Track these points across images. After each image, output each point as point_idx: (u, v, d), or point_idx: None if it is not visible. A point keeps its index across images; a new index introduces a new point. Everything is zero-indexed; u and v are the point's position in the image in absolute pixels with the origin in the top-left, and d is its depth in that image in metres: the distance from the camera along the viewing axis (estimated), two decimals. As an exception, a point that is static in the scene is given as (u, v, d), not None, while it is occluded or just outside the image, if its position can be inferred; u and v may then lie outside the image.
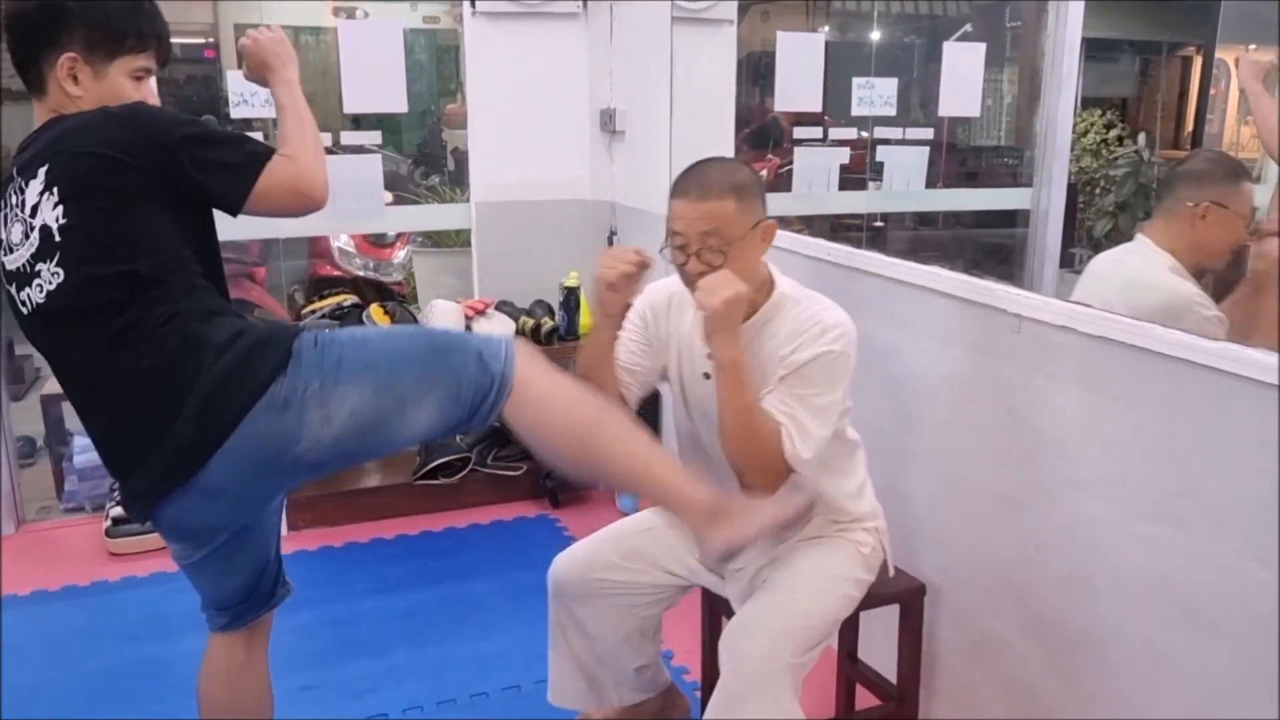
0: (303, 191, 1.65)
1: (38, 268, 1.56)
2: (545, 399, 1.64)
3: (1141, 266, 2.21)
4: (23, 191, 1.58)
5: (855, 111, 4.06)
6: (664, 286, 2.02)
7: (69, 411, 3.77)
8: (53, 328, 1.60)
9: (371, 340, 1.67)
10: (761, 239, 1.84)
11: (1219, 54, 5.47)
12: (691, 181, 1.81)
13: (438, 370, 1.61)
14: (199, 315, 1.59)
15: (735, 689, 1.77)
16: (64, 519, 3.57)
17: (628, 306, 1.93)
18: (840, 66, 4.00)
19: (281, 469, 1.62)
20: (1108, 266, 2.36)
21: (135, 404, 1.58)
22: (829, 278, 2.51)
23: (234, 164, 1.61)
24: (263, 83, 1.81)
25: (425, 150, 6.16)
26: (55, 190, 1.55)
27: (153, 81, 1.76)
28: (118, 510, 3.28)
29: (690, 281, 1.83)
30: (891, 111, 4.10)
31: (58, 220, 1.55)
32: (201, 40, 6.17)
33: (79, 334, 1.58)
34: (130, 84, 1.68)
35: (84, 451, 3.57)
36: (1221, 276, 2.28)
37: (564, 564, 2.10)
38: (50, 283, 1.56)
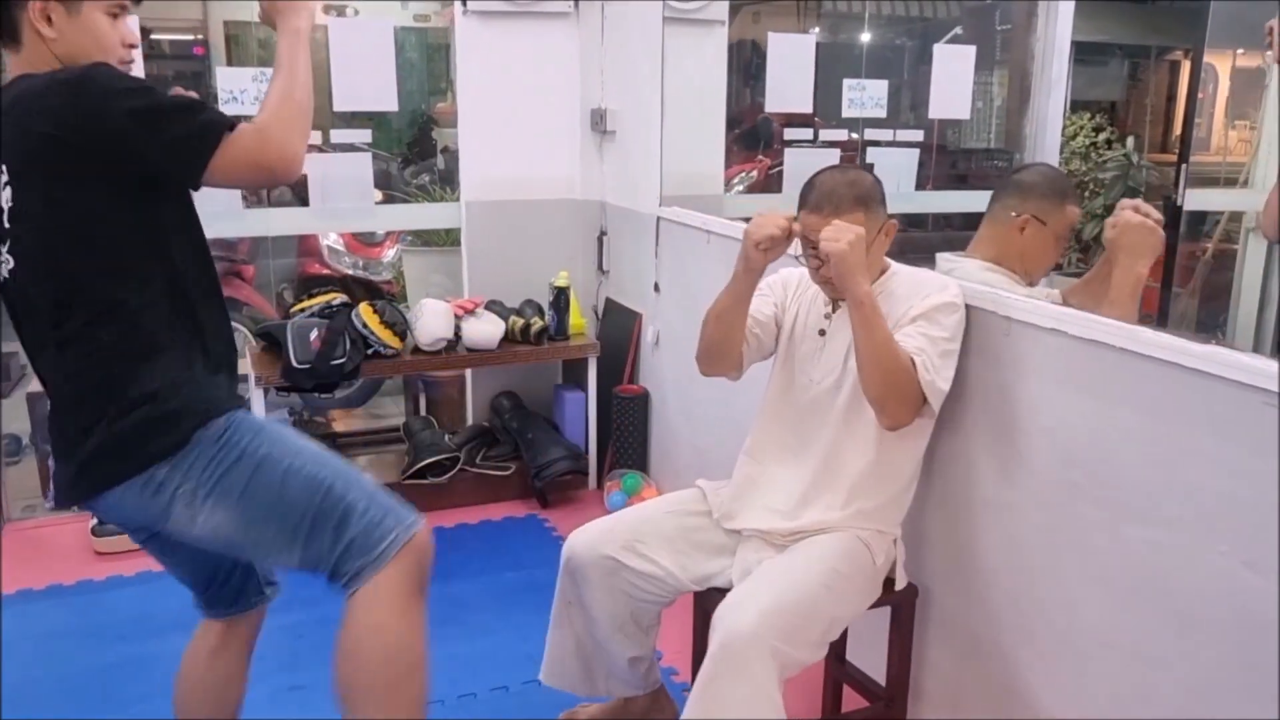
0: (266, 165, 1.55)
1: None
2: (380, 626, 1.64)
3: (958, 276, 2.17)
4: None
5: (846, 113, 4.07)
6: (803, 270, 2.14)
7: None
8: (9, 307, 1.62)
9: (264, 470, 1.58)
10: (886, 237, 2.01)
11: (1207, 58, 5.50)
12: (822, 197, 1.96)
13: (307, 537, 1.59)
14: (134, 351, 1.55)
15: (719, 662, 1.77)
16: (50, 517, 3.55)
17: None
18: (830, 68, 4.00)
19: (157, 534, 1.65)
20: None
21: (60, 410, 1.60)
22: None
23: (186, 137, 1.50)
24: (273, 25, 1.70)
25: (415, 149, 6.14)
26: (4, 167, 1.51)
27: (133, 22, 1.68)
28: (104, 509, 3.26)
29: (823, 283, 2.01)
30: (882, 113, 4.11)
31: (7, 203, 1.51)
32: (190, 37, 6.15)
33: (30, 323, 1.59)
34: (107, 21, 1.60)
35: (70, 450, 3.55)
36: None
37: (579, 540, 2.12)
38: (3, 268, 1.56)
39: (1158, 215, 2.01)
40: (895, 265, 2.09)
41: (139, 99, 1.49)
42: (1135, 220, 1.98)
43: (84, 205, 1.50)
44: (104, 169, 1.49)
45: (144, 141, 1.48)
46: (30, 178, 1.50)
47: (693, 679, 2.25)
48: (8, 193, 1.50)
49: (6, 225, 1.52)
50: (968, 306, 2.02)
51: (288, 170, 1.58)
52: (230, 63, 5.76)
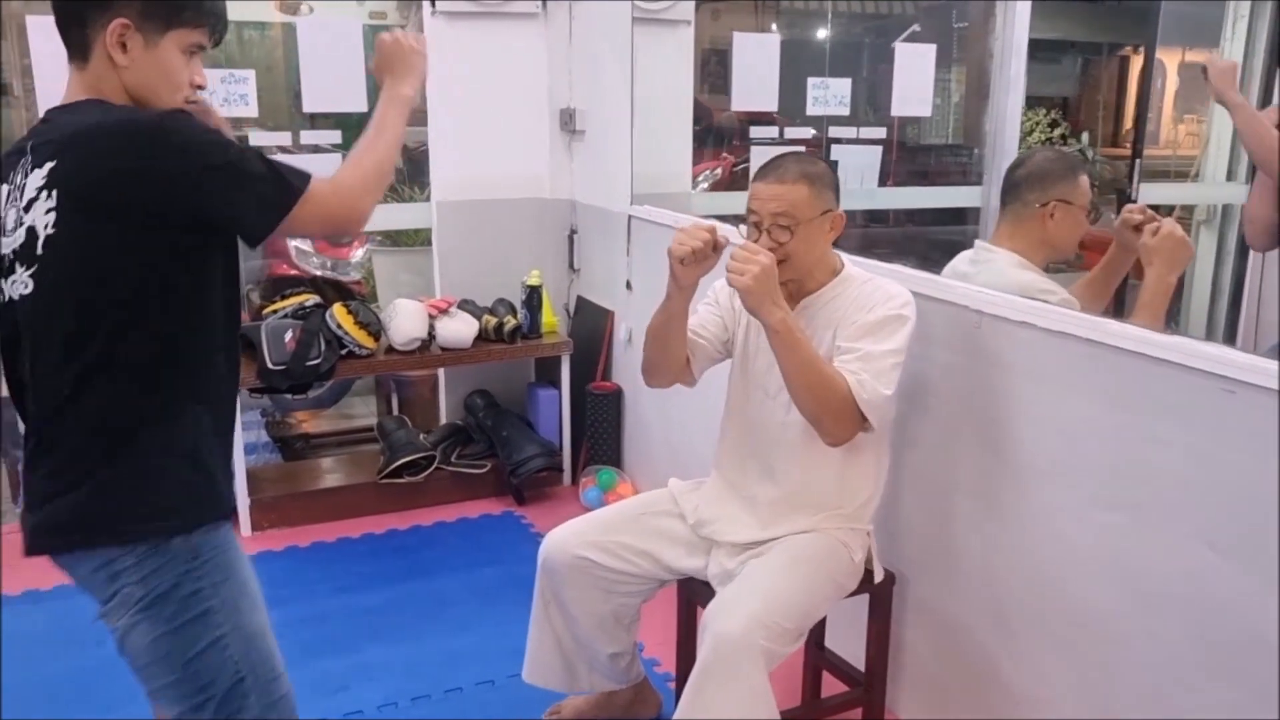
0: (335, 223, 1.57)
1: (16, 267, 1.47)
2: None
3: (989, 271, 2.23)
4: (27, 174, 1.46)
5: (810, 111, 4.13)
6: None
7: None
8: (9, 328, 1.52)
9: (203, 623, 1.51)
10: (830, 228, 1.98)
11: (1158, 55, 5.63)
12: (770, 166, 1.97)
13: (192, 708, 1.54)
14: (147, 412, 1.48)
15: (711, 666, 1.81)
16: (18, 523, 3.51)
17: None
18: (790, 65, 4.05)
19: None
20: (965, 271, 2.35)
21: (44, 449, 1.51)
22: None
23: (265, 195, 1.46)
24: (381, 83, 1.70)
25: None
26: (54, 194, 1.42)
27: (198, 64, 1.61)
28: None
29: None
30: (845, 111, 4.17)
31: (46, 228, 1.42)
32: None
33: (34, 354, 1.49)
34: (181, 59, 1.54)
35: (40, 455, 3.52)
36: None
37: (554, 540, 2.16)
38: (20, 290, 1.47)
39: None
40: (849, 269, 2.05)
41: (217, 155, 1.44)
42: (1179, 234, 2.03)
43: (131, 253, 1.43)
44: (165, 220, 1.43)
45: (219, 200, 1.44)
46: (81, 213, 1.42)
47: (677, 669, 2.31)
48: (50, 218, 1.42)
49: (39, 251, 1.44)
50: (936, 300, 2.08)
51: (355, 229, 1.62)
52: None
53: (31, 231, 1.44)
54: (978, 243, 2.34)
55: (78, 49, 1.51)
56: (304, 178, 1.49)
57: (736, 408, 2.15)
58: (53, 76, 3.04)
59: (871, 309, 1.94)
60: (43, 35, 3.10)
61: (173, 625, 1.50)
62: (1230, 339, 4.14)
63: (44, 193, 1.43)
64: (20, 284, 1.47)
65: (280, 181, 1.47)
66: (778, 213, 1.92)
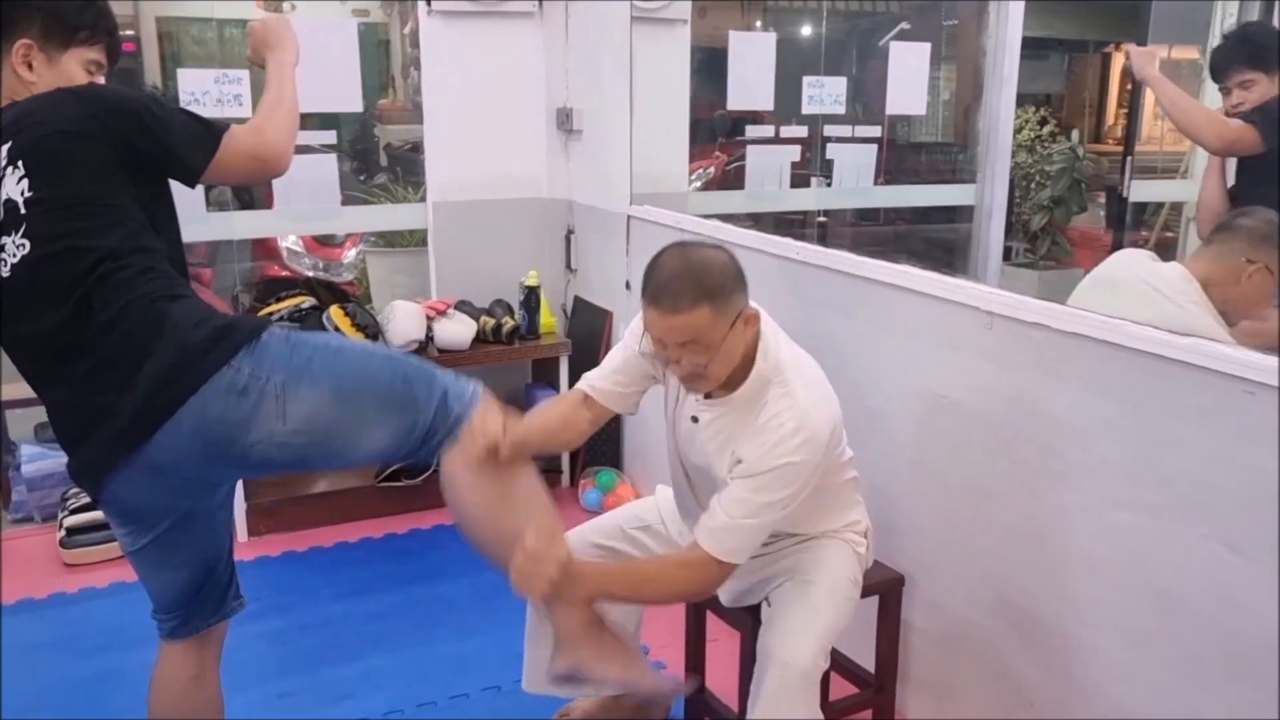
0: (261, 156, 1.76)
1: (1, 241, 1.59)
2: (480, 472, 1.69)
3: (1170, 284, 2.22)
4: None
5: (806, 110, 4.13)
6: None
7: (14, 419, 3.67)
8: (14, 299, 1.61)
9: (345, 352, 1.71)
10: (745, 327, 1.77)
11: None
12: (662, 292, 1.71)
13: (403, 399, 1.66)
14: (165, 294, 1.62)
15: (778, 695, 1.81)
16: (13, 530, 3.47)
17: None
18: (780, 64, 4.04)
19: (229, 456, 1.61)
20: (1135, 270, 2.33)
21: (92, 373, 1.58)
22: (795, 276, 2.57)
23: (195, 130, 1.70)
24: (262, 64, 1.94)
25: (358, 147, 6.09)
26: (20, 164, 1.59)
27: (100, 79, 1.82)
28: (72, 520, 3.20)
29: (686, 380, 1.82)
30: (841, 110, 4.17)
31: (23, 194, 1.58)
32: (122, 33, 6.01)
33: (41, 307, 1.59)
34: (83, 73, 1.77)
35: (32, 461, 3.48)
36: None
37: None
38: (15, 255, 1.58)
39: None
40: (767, 366, 1.83)
41: (149, 99, 1.70)
42: None
43: (102, 190, 1.61)
44: (122, 158, 1.63)
45: (160, 130, 1.65)
46: (53, 171, 1.59)
47: (685, 673, 2.30)
48: (25, 183, 1.59)
49: (24, 212, 1.58)
50: (947, 301, 2.06)
51: (279, 161, 1.79)
52: (163, 59, 5.63)
53: (10, 204, 1.59)
54: (1181, 270, 2.26)
55: None
56: (224, 124, 1.75)
57: (673, 455, 2.03)
58: None
59: (763, 441, 1.77)
60: None
61: (329, 368, 1.62)
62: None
63: (9, 169, 1.60)
64: (11, 252, 1.59)
65: (205, 124, 1.72)
66: (683, 343, 1.72)
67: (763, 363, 1.83)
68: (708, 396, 1.87)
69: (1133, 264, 2.39)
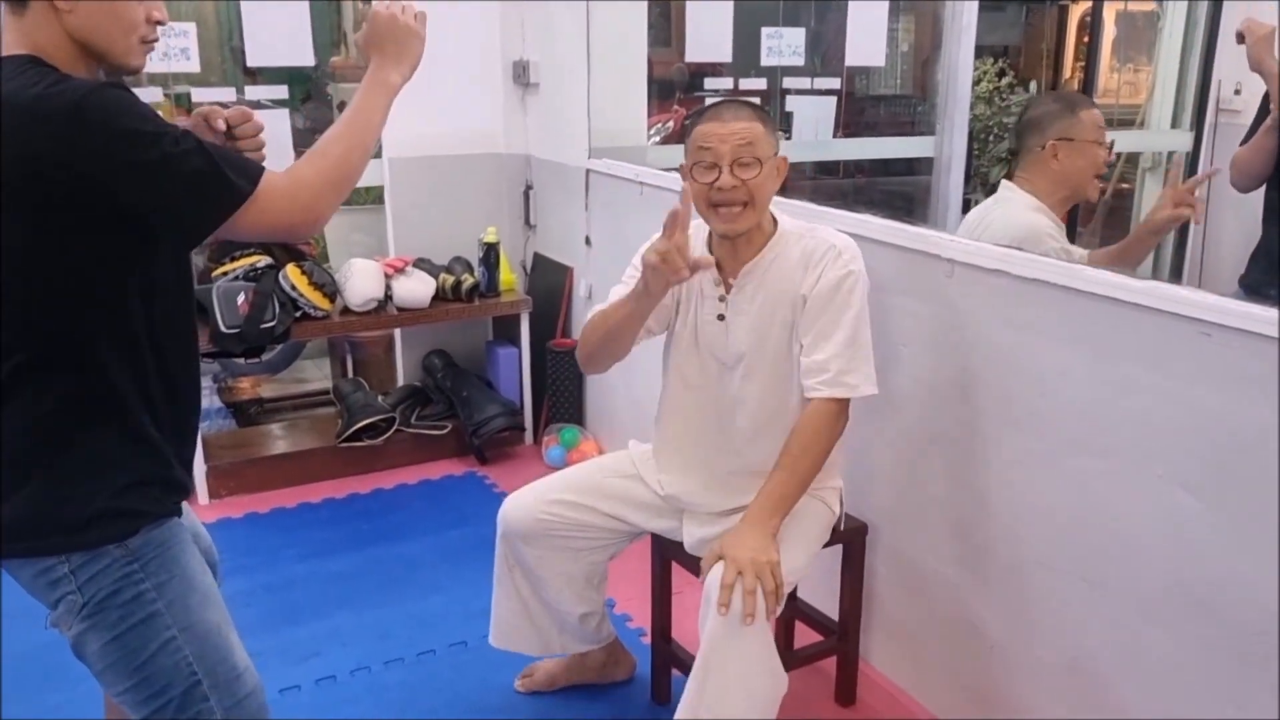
0: (286, 227, 1.40)
1: None
2: None
3: (1005, 210, 2.34)
4: None
5: (765, 61, 4.09)
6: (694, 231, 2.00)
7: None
8: None
9: (152, 625, 1.43)
10: (778, 174, 1.95)
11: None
12: (722, 106, 1.93)
13: (153, 712, 1.46)
14: (89, 410, 1.38)
15: (725, 635, 1.79)
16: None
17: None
18: (738, 15, 3.99)
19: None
20: (977, 218, 2.42)
21: None
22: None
23: (197, 204, 1.31)
24: (367, 60, 1.54)
25: (309, 103, 5.96)
26: None
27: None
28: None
29: (718, 201, 1.90)
30: (800, 61, 4.14)
31: None
32: None
33: None
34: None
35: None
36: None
37: (513, 503, 2.13)
38: None
39: None
40: (782, 227, 1.99)
41: (145, 150, 1.26)
42: None
43: (52, 243, 1.30)
44: (87, 214, 1.28)
45: (145, 200, 1.29)
46: None
47: (652, 624, 2.31)
48: None
49: None
50: (907, 250, 2.07)
51: (309, 234, 1.47)
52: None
53: None
54: (1004, 182, 2.41)
55: None
56: (253, 176, 1.33)
57: (688, 382, 2.08)
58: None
59: (820, 268, 1.91)
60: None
61: (119, 631, 1.42)
62: (1176, 279, 4.22)
63: None
64: None
65: (222, 180, 1.29)
66: (742, 145, 1.86)
67: (780, 227, 2.00)
68: (728, 289, 1.97)
69: (978, 211, 2.49)
